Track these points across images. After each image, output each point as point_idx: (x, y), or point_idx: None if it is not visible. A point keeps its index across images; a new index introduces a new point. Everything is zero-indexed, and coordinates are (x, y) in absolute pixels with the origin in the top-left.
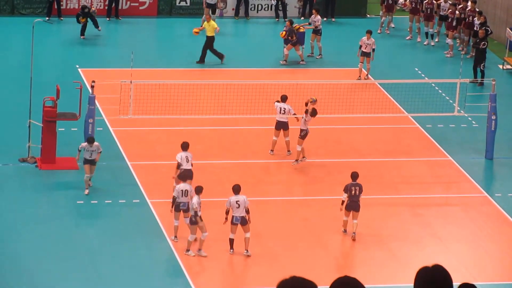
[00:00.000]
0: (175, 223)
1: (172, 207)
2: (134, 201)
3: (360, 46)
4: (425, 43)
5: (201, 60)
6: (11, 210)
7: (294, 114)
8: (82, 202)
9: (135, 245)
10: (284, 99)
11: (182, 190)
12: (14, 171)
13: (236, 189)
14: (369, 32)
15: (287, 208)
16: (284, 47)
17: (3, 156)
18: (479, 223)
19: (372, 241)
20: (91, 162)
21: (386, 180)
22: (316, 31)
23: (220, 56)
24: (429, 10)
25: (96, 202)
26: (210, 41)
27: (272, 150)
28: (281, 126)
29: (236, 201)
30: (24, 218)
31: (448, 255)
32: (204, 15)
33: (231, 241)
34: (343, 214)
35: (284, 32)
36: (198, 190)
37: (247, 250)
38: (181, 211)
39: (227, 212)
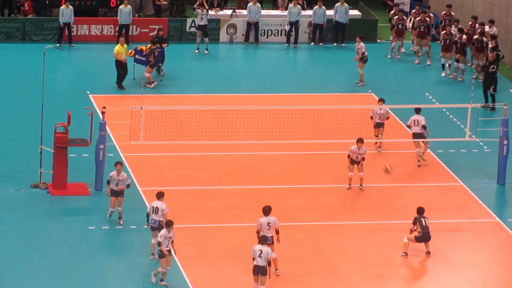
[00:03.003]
0: (152, 240)
1: (147, 222)
2: (145, 226)
3: (372, 117)
4: (442, 75)
5: (120, 86)
6: (23, 235)
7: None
8: (93, 227)
9: (146, 271)
10: (418, 111)
11: (153, 207)
12: (26, 197)
13: (267, 211)
14: (382, 100)
15: (298, 234)
16: (134, 64)
17: (15, 182)
18: (491, 249)
19: (383, 267)
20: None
21: (397, 205)
22: (362, 58)
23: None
24: (448, 41)
25: (107, 227)
26: (121, 64)
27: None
28: (418, 136)
29: (267, 223)
30: (35, 244)
31: (460, 281)
32: (197, 38)
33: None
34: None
35: (132, 52)
36: (168, 224)
37: (277, 270)
38: (154, 230)
39: (258, 232)
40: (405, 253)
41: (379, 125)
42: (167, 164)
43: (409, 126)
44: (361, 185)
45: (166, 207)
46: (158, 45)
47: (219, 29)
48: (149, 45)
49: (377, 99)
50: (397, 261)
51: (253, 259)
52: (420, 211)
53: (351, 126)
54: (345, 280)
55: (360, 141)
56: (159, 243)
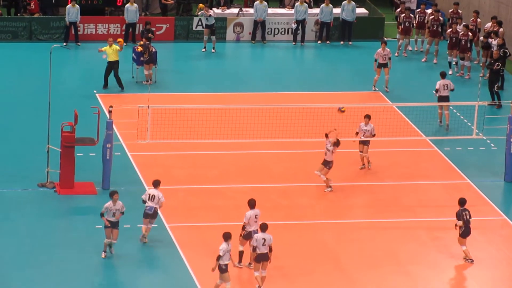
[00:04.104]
0: (143, 224)
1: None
2: (152, 225)
3: (357, 133)
4: (449, 73)
5: (105, 85)
6: (30, 234)
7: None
8: (100, 226)
9: (153, 270)
10: (443, 75)
11: (149, 194)
12: (33, 196)
13: (252, 204)
14: (368, 117)
15: (305, 232)
16: (137, 68)
17: (22, 181)
18: (498, 246)
19: (390, 265)
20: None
21: (404, 203)
22: (383, 65)
23: (121, 85)
24: (454, 39)
25: None
26: (112, 66)
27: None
28: (444, 99)
29: (255, 215)
30: (42, 243)
31: (466, 278)
32: (204, 36)
33: (240, 253)
34: (460, 243)
35: (140, 48)
36: (227, 237)
37: (251, 264)
38: (149, 216)
39: (243, 228)
40: (470, 259)
41: (363, 142)
42: (174, 163)
43: (437, 90)
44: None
45: (163, 195)
46: (151, 35)
47: (226, 27)
48: (142, 42)
49: (364, 116)
50: (404, 259)
51: (253, 248)
52: (462, 202)
53: (357, 124)
54: (352, 278)
55: (336, 144)
56: (218, 257)
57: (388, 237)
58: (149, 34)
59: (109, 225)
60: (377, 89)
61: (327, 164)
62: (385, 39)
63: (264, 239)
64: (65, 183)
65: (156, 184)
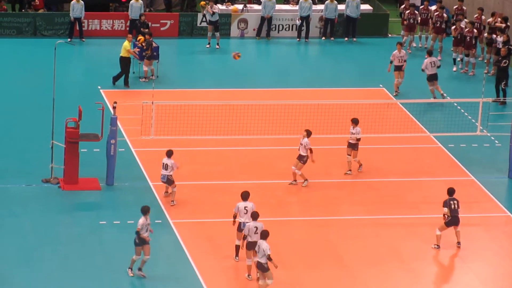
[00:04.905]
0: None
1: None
2: (156, 221)
3: (351, 140)
4: (454, 69)
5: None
6: (34, 230)
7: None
8: (104, 222)
9: (157, 265)
10: (430, 53)
11: (163, 163)
12: (37, 192)
13: (245, 196)
14: (354, 121)
15: (308, 229)
16: (139, 63)
17: (26, 177)
18: (501, 243)
19: (393, 261)
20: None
21: (408, 200)
22: (399, 67)
23: (115, 80)
24: (459, 35)
25: (118, 222)
26: (123, 61)
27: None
28: (433, 77)
29: (244, 207)
30: (46, 238)
31: (470, 275)
32: (208, 32)
33: (237, 247)
34: (440, 229)
35: (141, 42)
36: (264, 235)
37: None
38: (163, 183)
39: (234, 217)
40: (437, 245)
41: (350, 146)
42: (178, 159)
43: (423, 70)
44: (294, 180)
45: (175, 163)
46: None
47: (230, 23)
48: (143, 37)
49: (350, 119)
50: (406, 255)
51: (244, 236)
52: (450, 192)
53: (361, 121)
54: (355, 274)
55: (307, 134)
56: (269, 257)
57: (391, 233)
58: (147, 29)
59: (148, 241)
60: (400, 92)
61: (301, 158)
62: (389, 35)
63: (256, 227)
64: (69, 179)
65: (169, 154)
